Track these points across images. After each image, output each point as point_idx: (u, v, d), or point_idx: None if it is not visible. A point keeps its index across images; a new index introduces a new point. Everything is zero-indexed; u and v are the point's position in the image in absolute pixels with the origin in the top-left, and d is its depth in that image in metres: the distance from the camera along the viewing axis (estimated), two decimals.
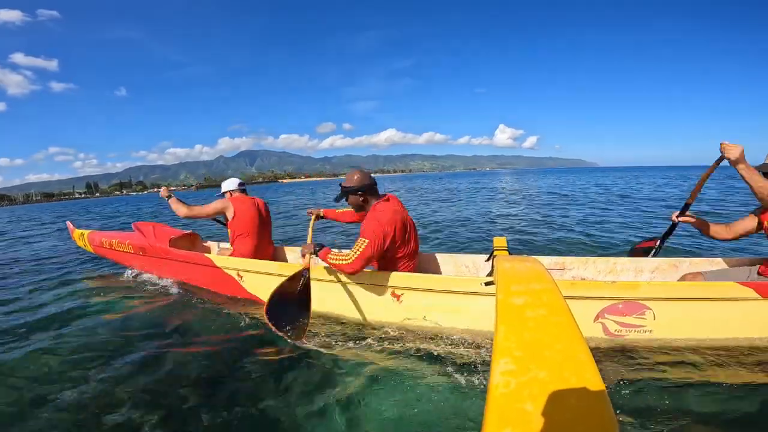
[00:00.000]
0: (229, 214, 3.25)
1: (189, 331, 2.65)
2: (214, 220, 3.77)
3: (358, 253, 2.17)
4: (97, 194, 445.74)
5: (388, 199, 2.42)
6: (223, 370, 2.09)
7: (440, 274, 3.08)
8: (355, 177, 2.40)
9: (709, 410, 1.56)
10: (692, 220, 2.45)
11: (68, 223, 5.17)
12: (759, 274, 2.24)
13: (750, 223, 2.23)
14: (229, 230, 3.32)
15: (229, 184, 3.52)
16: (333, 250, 2.37)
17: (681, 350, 1.96)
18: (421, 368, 1.99)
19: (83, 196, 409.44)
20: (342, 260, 2.21)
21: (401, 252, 2.36)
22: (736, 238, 2.29)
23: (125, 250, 4.02)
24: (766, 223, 2.13)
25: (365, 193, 2.40)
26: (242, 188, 3.52)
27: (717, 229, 2.36)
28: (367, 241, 2.18)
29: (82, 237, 4.56)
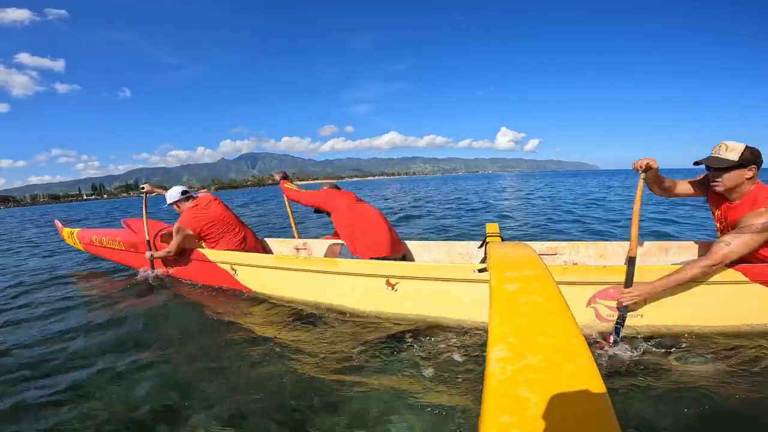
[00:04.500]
0: (194, 231, 3.26)
1: (181, 324, 2.63)
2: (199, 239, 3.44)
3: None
4: (105, 196, 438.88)
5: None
6: (217, 363, 2.09)
7: (434, 261, 3.10)
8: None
9: (699, 393, 1.58)
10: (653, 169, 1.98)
11: (56, 221, 5.07)
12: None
13: (690, 188, 2.14)
14: (204, 243, 3.36)
15: (173, 195, 3.45)
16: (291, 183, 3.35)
17: (672, 333, 1.99)
18: (417, 356, 2.00)
19: (92, 197, 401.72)
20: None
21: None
22: (673, 196, 2.18)
23: (116, 247, 3.97)
24: (717, 213, 2.04)
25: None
26: (186, 196, 3.47)
27: (667, 184, 2.13)
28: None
29: (71, 235, 4.50)
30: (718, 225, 2.07)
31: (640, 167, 1.94)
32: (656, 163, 1.93)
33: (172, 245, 3.31)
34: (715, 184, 1.91)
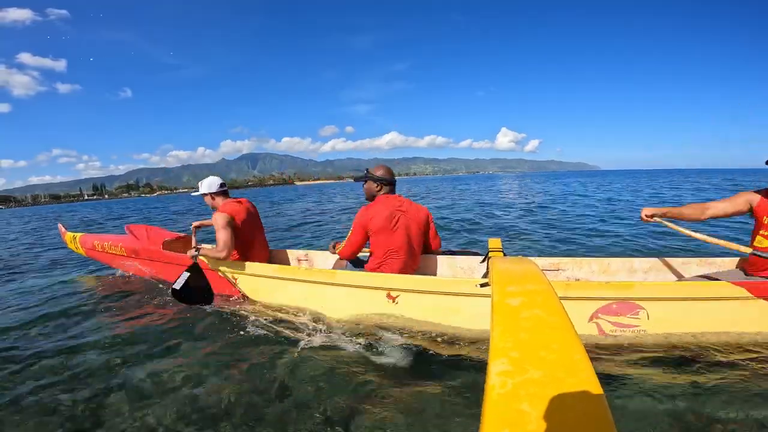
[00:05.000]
0: (239, 224, 2.96)
1: (181, 332, 2.62)
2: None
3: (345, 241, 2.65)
4: (106, 196, 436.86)
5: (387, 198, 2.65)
6: (216, 370, 2.07)
7: (436, 275, 3.09)
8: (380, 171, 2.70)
9: (702, 409, 1.57)
10: (660, 214, 2.35)
11: (59, 225, 5.09)
12: (746, 274, 2.25)
13: (732, 206, 2.18)
14: None
15: (210, 185, 3.11)
16: None
17: (674, 350, 1.98)
18: (417, 370, 1.99)
19: (93, 197, 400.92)
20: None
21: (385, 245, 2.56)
22: (704, 219, 2.27)
23: (118, 252, 3.98)
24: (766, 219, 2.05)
25: (382, 185, 2.67)
26: (224, 190, 3.16)
27: (688, 212, 2.29)
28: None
29: (74, 240, 4.51)
30: None
31: (645, 219, 2.38)
32: (650, 209, 2.37)
33: (223, 241, 2.77)
34: None
